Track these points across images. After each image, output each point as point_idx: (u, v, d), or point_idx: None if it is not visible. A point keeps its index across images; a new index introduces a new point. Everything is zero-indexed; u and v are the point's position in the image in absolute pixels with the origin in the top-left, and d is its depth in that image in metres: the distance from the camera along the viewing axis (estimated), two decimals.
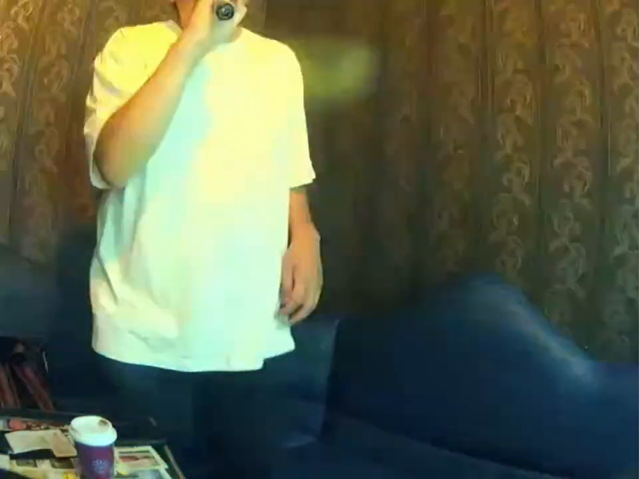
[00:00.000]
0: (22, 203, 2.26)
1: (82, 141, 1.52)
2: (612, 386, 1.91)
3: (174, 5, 1.64)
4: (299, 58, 1.75)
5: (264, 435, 1.66)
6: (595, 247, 2.07)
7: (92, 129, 1.48)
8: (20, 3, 2.17)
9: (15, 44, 2.18)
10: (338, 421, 2.33)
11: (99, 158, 1.47)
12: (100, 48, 1.57)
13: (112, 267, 1.57)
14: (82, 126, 1.52)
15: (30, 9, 2.19)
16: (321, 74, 2.25)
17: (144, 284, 1.54)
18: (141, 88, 1.43)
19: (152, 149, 1.46)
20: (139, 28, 1.65)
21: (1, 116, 2.19)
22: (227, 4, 1.40)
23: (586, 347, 2.01)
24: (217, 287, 1.55)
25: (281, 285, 1.64)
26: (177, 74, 1.41)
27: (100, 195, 1.64)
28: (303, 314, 1.66)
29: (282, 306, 1.64)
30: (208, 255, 1.53)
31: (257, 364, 1.59)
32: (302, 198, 1.77)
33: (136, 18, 2.34)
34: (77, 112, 2.22)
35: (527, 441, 1.97)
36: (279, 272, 1.64)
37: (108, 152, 1.45)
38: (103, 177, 1.49)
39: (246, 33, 1.67)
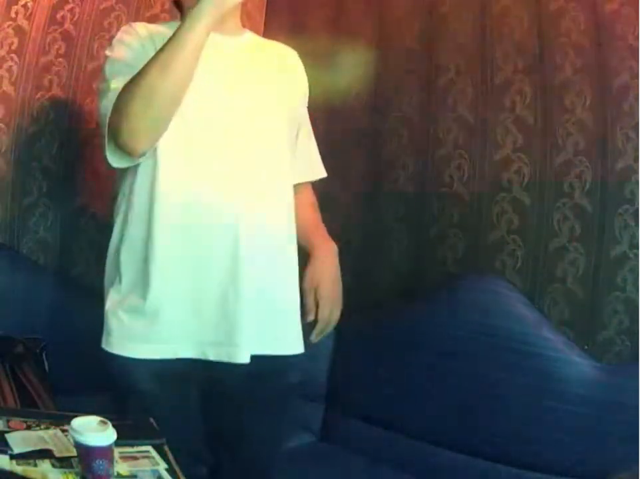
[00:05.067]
0: (22, 203, 2.25)
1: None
2: (612, 386, 1.91)
3: (176, 4, 1.64)
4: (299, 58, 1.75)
5: (265, 435, 1.66)
6: (595, 247, 2.07)
7: (107, 104, 1.46)
8: (20, 3, 2.17)
9: (15, 44, 2.18)
10: (338, 421, 2.34)
11: (116, 127, 1.43)
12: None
13: (127, 263, 1.55)
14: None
15: (30, 9, 2.19)
16: (321, 74, 2.24)
17: (159, 282, 1.51)
18: (160, 49, 1.43)
19: (171, 107, 1.44)
20: (147, 24, 1.65)
21: (1, 115, 2.19)
22: None
23: (586, 347, 2.02)
24: (236, 284, 1.53)
25: (304, 304, 1.65)
26: (198, 30, 1.41)
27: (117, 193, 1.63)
28: (327, 331, 1.70)
29: (311, 323, 1.66)
30: (226, 252, 1.52)
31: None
32: (315, 201, 1.78)
33: (136, 18, 2.34)
34: (77, 111, 2.23)
35: (527, 441, 1.97)
36: (296, 267, 1.64)
37: (126, 114, 1.41)
38: (120, 148, 1.45)
39: (250, 34, 1.68)
